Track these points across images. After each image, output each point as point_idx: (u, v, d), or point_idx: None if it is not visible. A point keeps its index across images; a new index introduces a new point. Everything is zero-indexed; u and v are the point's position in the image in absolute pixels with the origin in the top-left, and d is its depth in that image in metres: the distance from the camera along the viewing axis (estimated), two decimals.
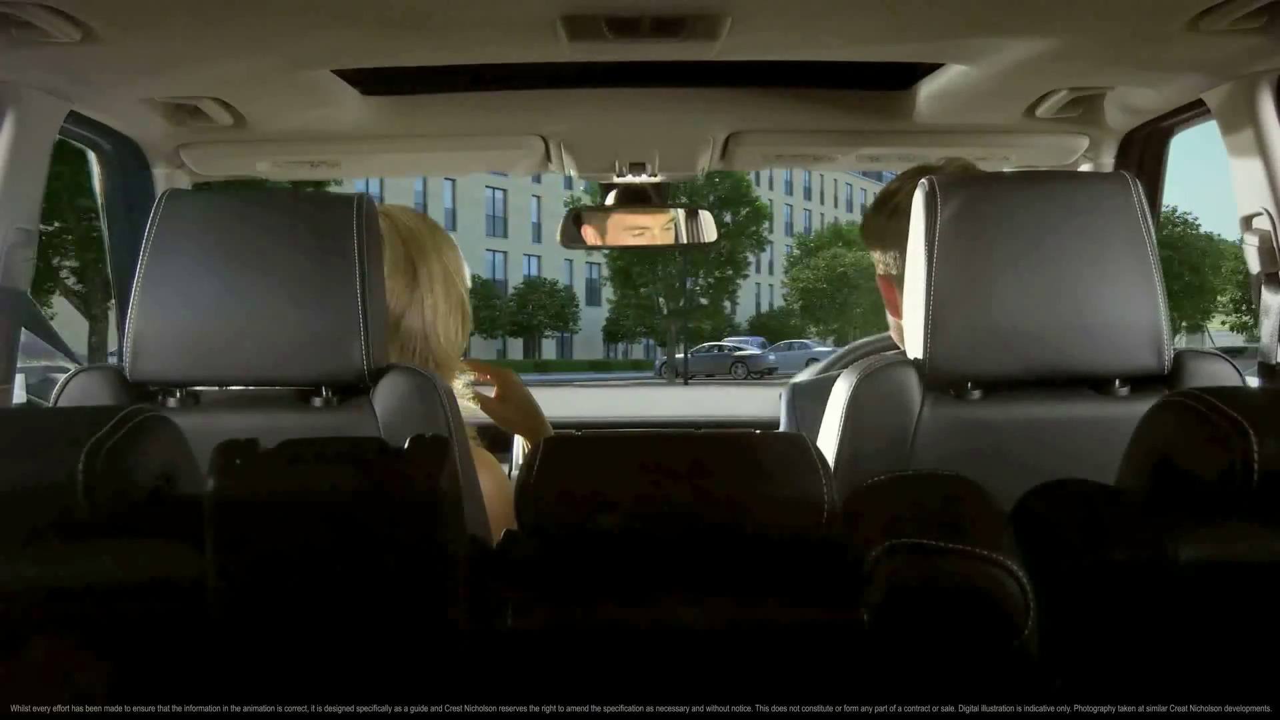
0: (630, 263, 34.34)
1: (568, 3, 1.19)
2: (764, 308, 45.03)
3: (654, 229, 2.06)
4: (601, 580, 0.74)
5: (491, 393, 1.59)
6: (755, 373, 27.72)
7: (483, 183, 35.57)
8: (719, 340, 33.46)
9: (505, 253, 37.96)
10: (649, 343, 41.56)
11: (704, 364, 29.05)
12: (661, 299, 35.06)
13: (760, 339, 34.26)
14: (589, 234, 2.10)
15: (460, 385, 1.40)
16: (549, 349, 39.13)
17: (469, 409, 1.29)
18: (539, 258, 38.80)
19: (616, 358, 41.07)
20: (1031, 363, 1.12)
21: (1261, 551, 0.74)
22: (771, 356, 29.43)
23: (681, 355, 28.71)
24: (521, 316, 35.74)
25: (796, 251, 44.24)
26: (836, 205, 48.63)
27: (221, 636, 0.70)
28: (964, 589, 0.70)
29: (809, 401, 1.73)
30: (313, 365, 1.07)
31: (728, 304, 38.51)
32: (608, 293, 39.11)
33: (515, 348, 38.05)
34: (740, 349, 31.00)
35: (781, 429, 2.04)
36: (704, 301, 36.49)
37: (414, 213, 1.38)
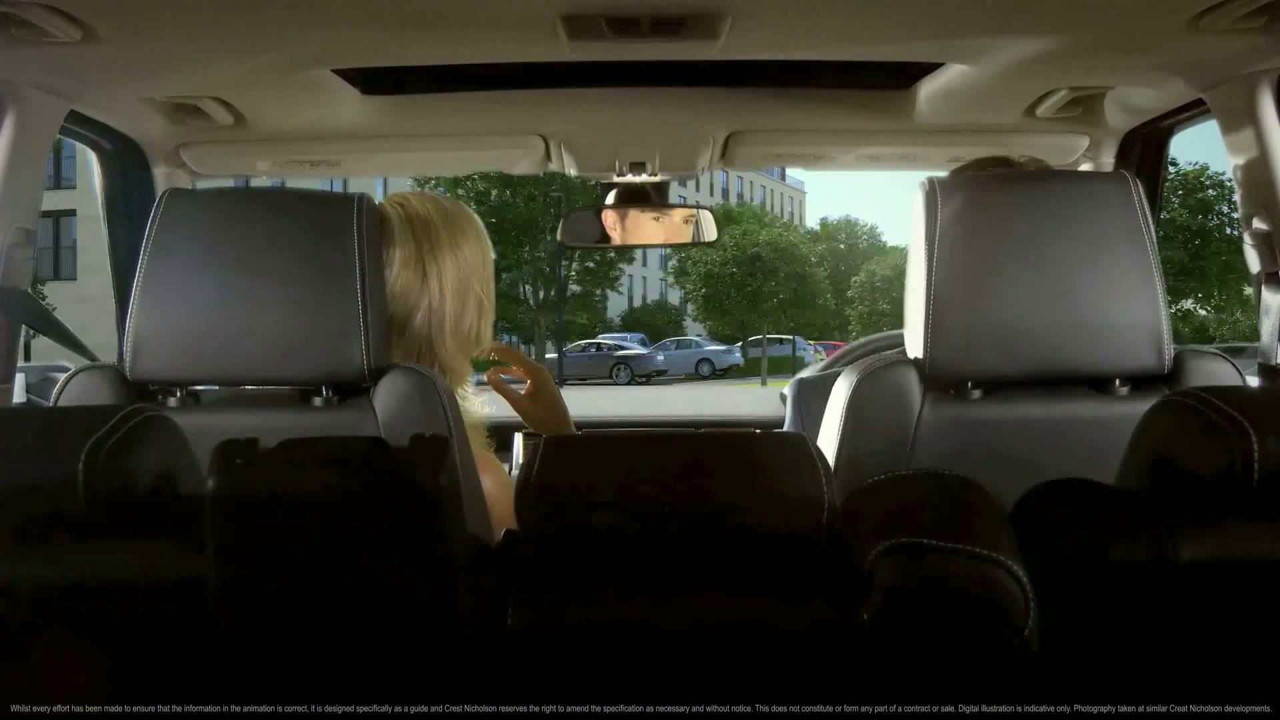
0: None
1: (568, 2, 1.19)
2: (637, 301, 39.74)
3: (654, 228, 2.06)
4: (601, 580, 0.74)
5: (521, 388, 1.55)
6: (641, 376, 24.58)
7: None
8: (593, 338, 29.05)
9: None
10: (512, 339, 35.78)
11: (580, 366, 24.87)
12: (528, 287, 29.28)
13: (639, 336, 30.00)
14: (590, 233, 2.10)
15: (471, 387, 1.35)
16: None
17: (470, 413, 1.27)
18: None
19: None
20: (1032, 362, 1.12)
21: (1261, 551, 0.74)
22: (660, 357, 26.26)
23: (554, 355, 25.16)
24: None
25: None
26: (712, 193, 42.38)
27: (222, 636, 0.70)
28: (964, 589, 0.70)
29: (815, 397, 1.73)
30: (313, 365, 1.07)
31: (607, 294, 33.57)
32: None
33: None
34: (622, 348, 26.84)
35: (787, 425, 2.05)
36: (577, 289, 31.23)
37: (432, 198, 1.30)
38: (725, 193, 43.17)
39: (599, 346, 27.18)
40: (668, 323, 36.37)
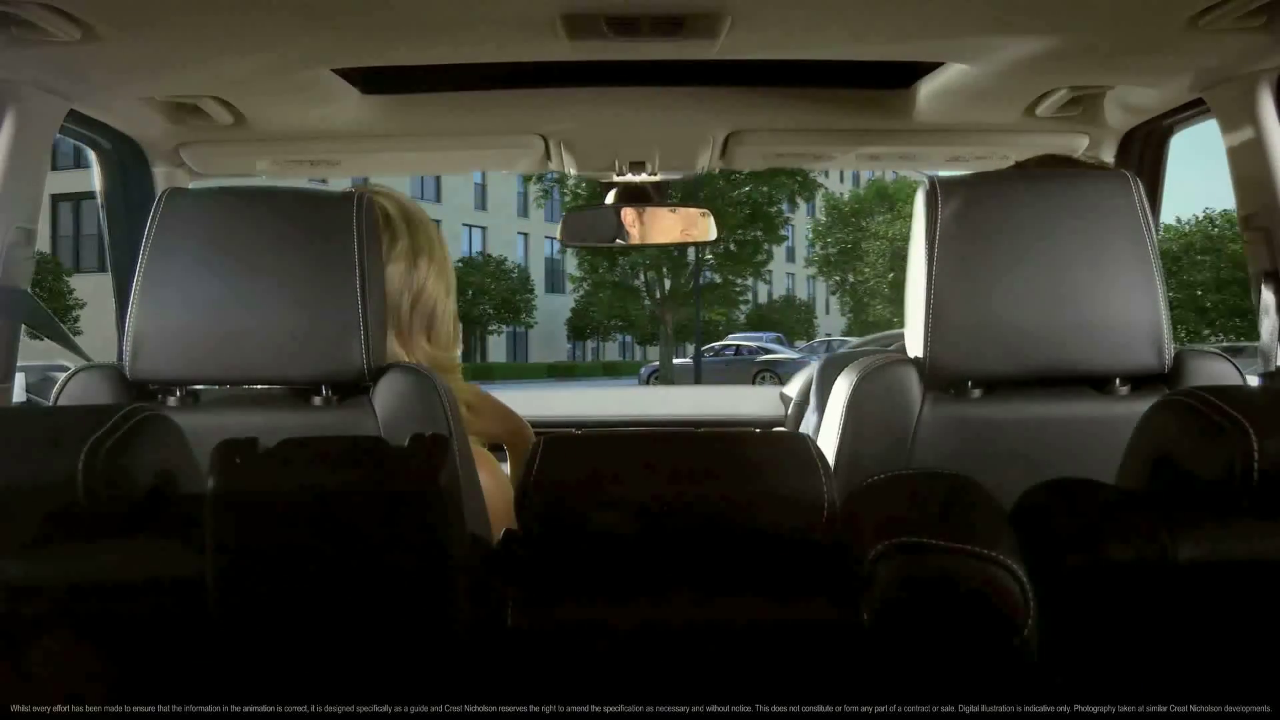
0: None
1: (567, 1, 1.19)
2: (762, 297, 33.05)
3: (655, 228, 2.07)
4: (601, 579, 0.74)
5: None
6: None
7: None
8: (725, 339, 23.32)
9: (438, 221, 28.29)
10: (625, 340, 31.40)
11: (718, 373, 19.92)
12: (649, 274, 23.63)
13: (774, 335, 24.38)
14: (590, 233, 2.10)
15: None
16: (496, 348, 29.38)
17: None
18: (484, 229, 29.15)
19: (584, 359, 31.69)
20: (1032, 362, 1.12)
21: (1261, 551, 0.74)
22: (814, 361, 20.96)
23: (686, 360, 20.40)
24: (459, 306, 29.14)
25: (823, 221, 30.45)
26: (843, 179, 35.86)
27: (221, 636, 0.70)
28: (964, 588, 0.70)
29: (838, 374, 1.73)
30: (312, 364, 1.07)
31: (751, 284, 26.46)
32: (573, 268, 28.37)
33: None
34: (766, 351, 21.67)
35: (811, 404, 2.06)
36: (715, 279, 24.50)
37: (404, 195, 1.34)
38: (855, 177, 35.60)
39: (738, 349, 22.08)
40: (797, 320, 31.09)
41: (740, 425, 2.54)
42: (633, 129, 1.85)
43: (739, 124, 1.83)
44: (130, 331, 1.07)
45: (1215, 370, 1.16)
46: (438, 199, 27.44)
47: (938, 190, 1.11)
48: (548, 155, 1.90)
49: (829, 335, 25.95)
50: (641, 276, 24.15)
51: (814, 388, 2.07)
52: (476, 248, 28.54)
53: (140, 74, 1.44)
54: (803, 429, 2.14)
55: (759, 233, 23.97)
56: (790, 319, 31.06)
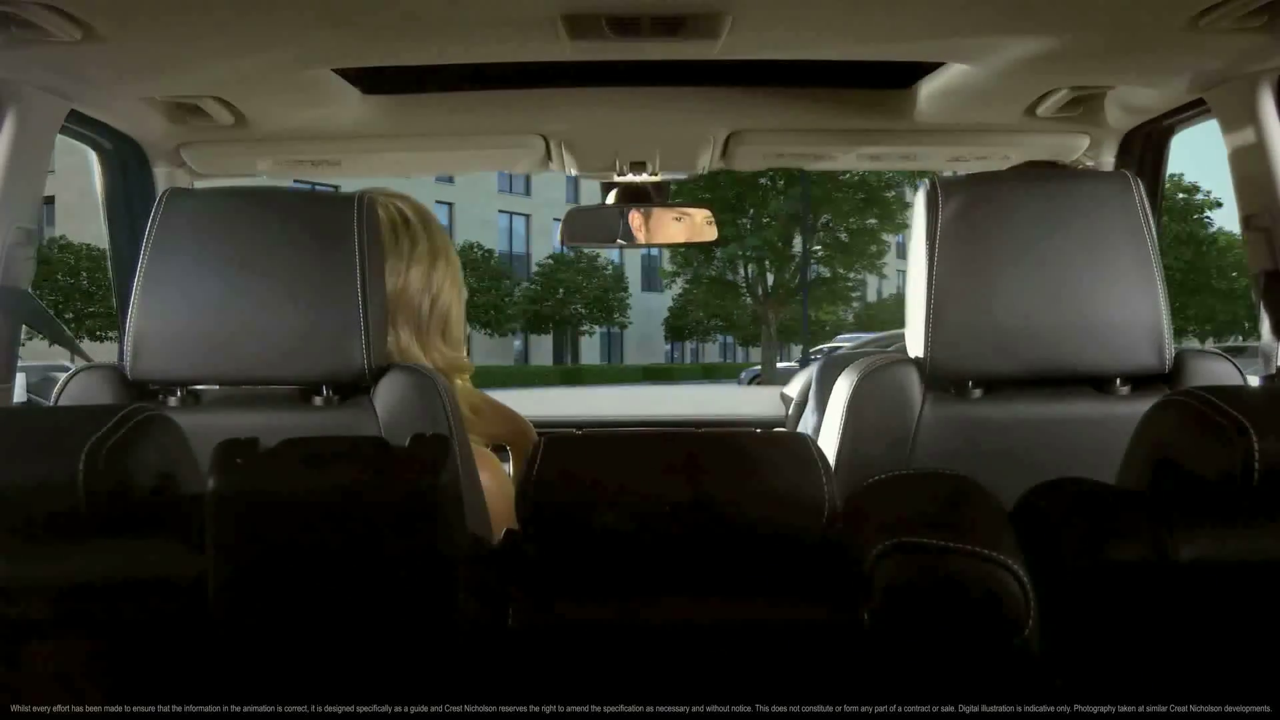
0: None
1: (568, 1, 1.19)
2: (871, 295, 29.98)
3: (655, 228, 2.07)
4: (602, 579, 0.74)
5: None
6: None
7: None
8: (833, 340, 19.14)
9: (527, 215, 26.57)
10: (726, 340, 29.05)
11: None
12: (750, 268, 20.56)
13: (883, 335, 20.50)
14: (590, 233, 2.10)
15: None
16: (590, 349, 27.93)
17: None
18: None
19: (682, 360, 29.70)
20: (1032, 362, 1.12)
21: (1262, 551, 0.74)
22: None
23: (792, 363, 17.47)
24: (548, 305, 24.73)
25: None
26: None
27: (222, 636, 0.70)
28: (965, 588, 0.70)
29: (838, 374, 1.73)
30: (313, 364, 1.07)
31: (865, 277, 23.06)
32: (665, 262, 25.62)
33: (542, 347, 27.13)
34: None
35: (811, 404, 2.06)
36: (824, 273, 21.65)
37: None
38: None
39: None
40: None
41: (740, 425, 2.54)
42: (633, 129, 1.85)
43: (740, 124, 1.83)
44: (131, 331, 1.08)
45: (1216, 370, 1.16)
46: (528, 191, 26.23)
47: (938, 190, 1.12)
48: (548, 155, 1.90)
49: None
50: (742, 271, 21.36)
51: (814, 388, 2.07)
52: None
53: (141, 74, 1.44)
54: (802, 429, 2.14)
55: (874, 220, 20.86)
56: (902, 319, 26.98)
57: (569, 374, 21.60)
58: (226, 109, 1.61)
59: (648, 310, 27.27)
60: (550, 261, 24.91)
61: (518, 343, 25.57)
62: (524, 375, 20.78)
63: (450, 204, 23.75)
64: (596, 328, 26.58)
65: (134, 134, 1.74)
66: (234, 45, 1.34)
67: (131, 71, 1.42)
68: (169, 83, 1.51)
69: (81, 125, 1.63)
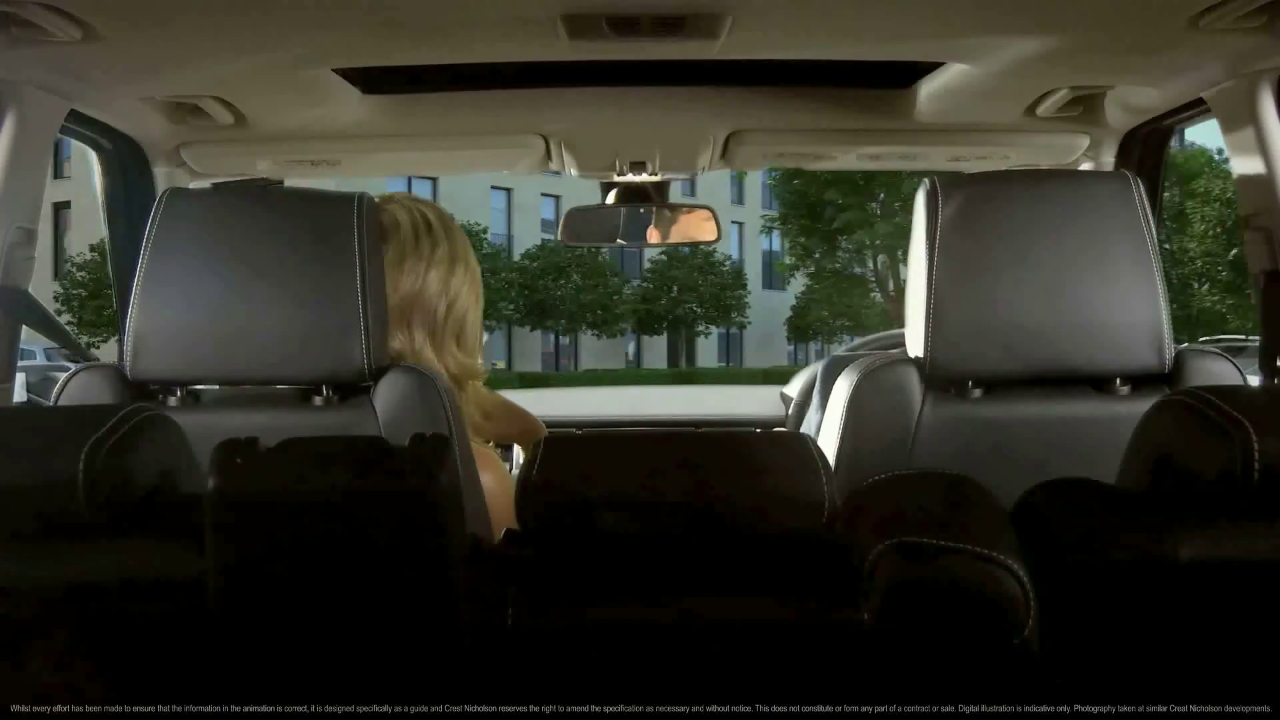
0: (820, 195, 16.77)
1: (568, 2, 1.19)
2: None
3: (656, 228, 2.07)
4: (601, 579, 0.74)
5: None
6: None
7: None
8: None
9: (508, 190, 24.36)
10: (853, 341, 22.88)
11: None
12: (880, 258, 18.72)
13: None
14: (591, 232, 2.11)
15: None
16: (707, 351, 26.10)
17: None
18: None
19: (806, 362, 23.91)
20: (1032, 361, 1.12)
21: (1262, 550, 0.74)
22: None
23: None
24: (661, 305, 23.22)
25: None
26: None
27: (222, 636, 0.70)
28: (965, 588, 0.70)
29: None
30: (313, 364, 1.07)
31: None
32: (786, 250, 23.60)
33: (655, 349, 25.06)
34: None
35: (814, 403, 2.06)
36: None
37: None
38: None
39: None
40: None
41: (740, 425, 2.54)
42: (633, 129, 1.85)
43: (740, 124, 1.83)
44: (131, 331, 1.08)
45: (1215, 370, 1.16)
46: None
47: (938, 190, 1.12)
48: (548, 155, 1.90)
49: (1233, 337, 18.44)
50: (870, 263, 19.63)
51: (817, 387, 2.07)
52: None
53: (141, 74, 1.44)
54: (806, 428, 2.14)
55: None
56: None
57: (682, 377, 19.45)
58: (226, 109, 1.61)
59: (769, 309, 25.36)
60: (663, 260, 23.12)
61: (631, 345, 24.22)
62: (634, 379, 19.32)
63: (433, 179, 21.31)
64: (713, 328, 25.09)
65: (134, 134, 1.73)
66: (234, 45, 1.34)
67: (131, 71, 1.42)
68: (169, 82, 1.51)
69: (81, 125, 1.63)
